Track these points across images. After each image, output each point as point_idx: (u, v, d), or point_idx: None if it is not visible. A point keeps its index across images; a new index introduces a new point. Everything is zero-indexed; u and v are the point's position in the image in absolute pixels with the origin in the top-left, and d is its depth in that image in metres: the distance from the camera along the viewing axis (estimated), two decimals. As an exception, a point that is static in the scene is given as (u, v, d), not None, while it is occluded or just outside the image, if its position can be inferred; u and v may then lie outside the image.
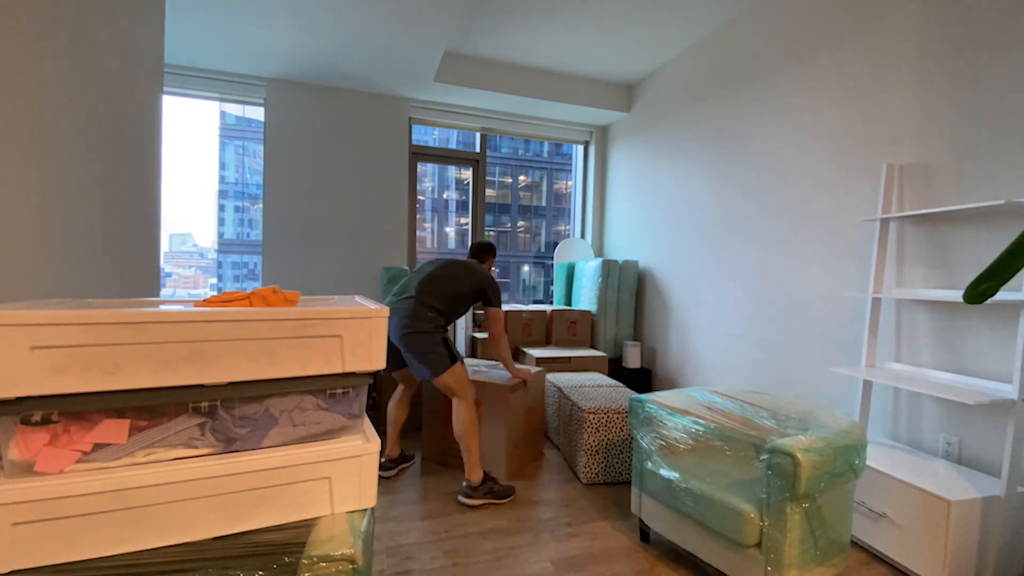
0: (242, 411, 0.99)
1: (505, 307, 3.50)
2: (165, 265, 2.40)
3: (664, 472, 1.74)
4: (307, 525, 1.01)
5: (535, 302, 4.99)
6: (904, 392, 2.07)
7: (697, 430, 1.83)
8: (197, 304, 1.03)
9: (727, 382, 3.02)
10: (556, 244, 4.70)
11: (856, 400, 2.14)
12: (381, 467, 2.32)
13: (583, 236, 4.78)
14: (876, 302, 2.11)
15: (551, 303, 4.66)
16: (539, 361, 3.32)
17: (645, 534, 1.91)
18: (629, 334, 3.95)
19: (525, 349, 3.58)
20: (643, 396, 1.94)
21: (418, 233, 4.35)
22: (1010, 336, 1.71)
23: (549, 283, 5.54)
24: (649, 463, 1.82)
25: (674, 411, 1.84)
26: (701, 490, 1.60)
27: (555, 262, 4.59)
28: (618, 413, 2.44)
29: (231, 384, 0.96)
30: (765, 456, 1.45)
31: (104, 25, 1.64)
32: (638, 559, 1.80)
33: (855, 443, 1.49)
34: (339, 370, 1.05)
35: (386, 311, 1.09)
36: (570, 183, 5.08)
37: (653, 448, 1.84)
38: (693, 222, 3.39)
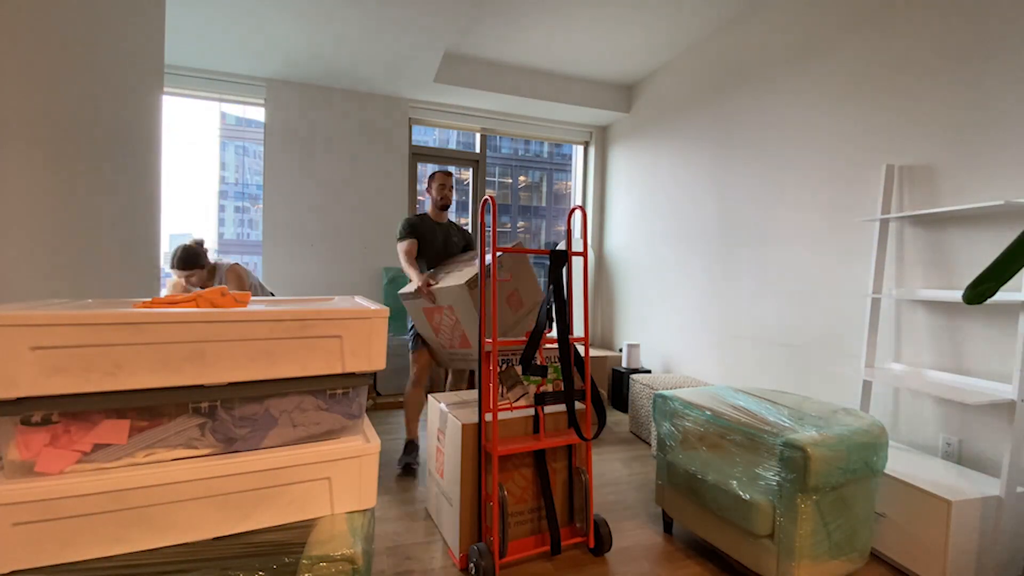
0: (242, 411, 0.99)
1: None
2: (165, 265, 2.41)
3: (686, 465, 1.78)
4: (307, 525, 1.01)
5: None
6: (904, 392, 2.07)
7: (719, 425, 1.84)
8: (135, 305, 0.97)
9: (728, 382, 3.02)
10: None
11: (856, 400, 2.13)
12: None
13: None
14: (876, 302, 2.11)
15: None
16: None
17: (668, 524, 1.96)
18: (628, 334, 3.95)
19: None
20: (667, 392, 1.98)
21: (418, 233, 4.34)
22: (1010, 336, 1.71)
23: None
24: (671, 456, 1.87)
25: (697, 407, 1.86)
26: (719, 482, 1.63)
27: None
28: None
29: (231, 384, 0.96)
30: (779, 449, 1.49)
31: (104, 25, 1.64)
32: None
33: (873, 441, 1.50)
34: (339, 370, 1.05)
35: (386, 311, 1.08)
36: (570, 183, 5.07)
37: (676, 442, 1.89)
38: (693, 222, 3.39)
